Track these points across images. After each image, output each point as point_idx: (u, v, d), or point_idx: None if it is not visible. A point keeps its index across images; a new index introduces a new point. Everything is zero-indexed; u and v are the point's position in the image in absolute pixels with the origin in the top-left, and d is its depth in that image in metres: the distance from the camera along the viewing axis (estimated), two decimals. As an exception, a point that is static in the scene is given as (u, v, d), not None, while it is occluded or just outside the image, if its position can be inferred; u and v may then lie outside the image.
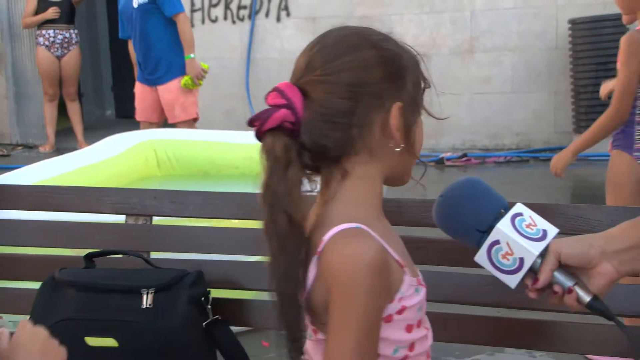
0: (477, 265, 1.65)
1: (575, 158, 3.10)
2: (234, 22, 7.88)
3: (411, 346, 1.18)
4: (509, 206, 1.20)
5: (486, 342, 1.80)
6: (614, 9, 6.44)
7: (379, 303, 1.12)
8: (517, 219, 1.17)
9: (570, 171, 6.21)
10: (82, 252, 1.83)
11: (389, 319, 1.14)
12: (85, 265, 1.79)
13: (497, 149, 7.19)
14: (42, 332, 1.17)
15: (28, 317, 1.76)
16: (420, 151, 1.27)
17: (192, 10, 7.97)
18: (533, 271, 1.17)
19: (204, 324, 1.71)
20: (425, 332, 1.22)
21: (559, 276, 1.17)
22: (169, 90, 5.40)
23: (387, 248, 1.15)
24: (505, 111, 7.19)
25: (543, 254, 1.16)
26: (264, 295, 1.41)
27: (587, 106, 6.57)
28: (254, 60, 7.82)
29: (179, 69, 5.32)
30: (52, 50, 7.58)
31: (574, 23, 6.58)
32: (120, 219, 1.95)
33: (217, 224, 2.53)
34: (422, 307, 1.22)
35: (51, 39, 7.58)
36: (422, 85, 1.24)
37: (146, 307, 1.66)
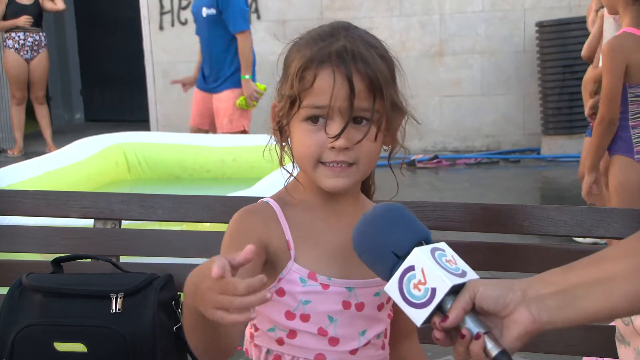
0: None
1: (595, 175, 3.11)
2: (204, 25, 7.85)
3: (291, 333, 1.24)
4: (432, 241, 1.12)
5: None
6: (579, 12, 6.55)
7: (231, 247, 1.21)
8: (438, 252, 1.09)
9: (539, 173, 6.31)
10: (50, 257, 1.81)
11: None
12: (52, 270, 1.78)
13: (468, 150, 7.26)
14: None
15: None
16: (304, 159, 1.21)
17: (162, 13, 7.94)
18: (442, 311, 1.05)
19: (174, 328, 1.70)
20: (322, 338, 1.23)
21: (470, 320, 1.04)
22: (222, 100, 5.34)
23: (284, 228, 1.23)
24: (475, 114, 7.26)
25: (456, 292, 1.06)
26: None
27: (554, 108, 6.66)
28: (224, 63, 7.80)
29: (236, 82, 5.27)
30: (21, 53, 7.50)
31: (541, 26, 6.66)
32: (88, 223, 1.93)
33: (187, 228, 2.52)
34: (318, 305, 1.22)
35: (21, 42, 7.50)
36: (296, 87, 1.19)
37: (115, 312, 1.65)
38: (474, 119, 7.26)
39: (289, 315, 1.24)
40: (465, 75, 7.22)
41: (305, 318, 1.24)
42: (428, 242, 1.11)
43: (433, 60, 7.24)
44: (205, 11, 5.15)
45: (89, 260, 1.87)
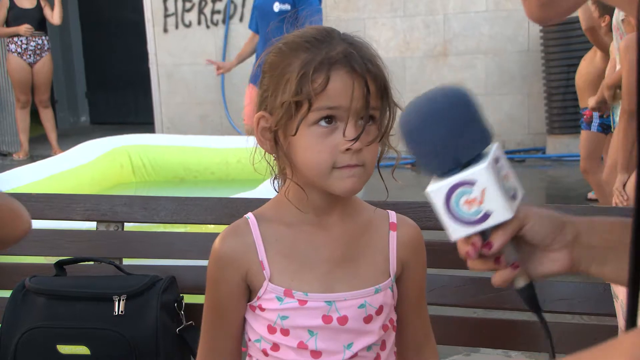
0: (451, 267, 1.66)
1: (627, 175, 3.03)
2: (207, 27, 7.86)
3: (274, 346, 1.24)
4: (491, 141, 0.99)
5: (462, 342, 1.81)
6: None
7: (217, 290, 1.27)
8: (498, 164, 0.96)
9: (544, 172, 6.29)
10: (53, 260, 1.81)
11: (252, 309, 1.25)
12: (56, 273, 1.78)
13: (472, 151, 7.24)
14: None
15: (-1, 326, 1.75)
16: (314, 166, 1.17)
17: (166, 15, 7.95)
18: (482, 233, 0.97)
19: (177, 330, 1.71)
20: (303, 351, 1.22)
21: (509, 247, 0.98)
22: None
23: (258, 249, 1.22)
24: (480, 113, 7.25)
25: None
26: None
27: (559, 107, 6.64)
28: (228, 65, 7.81)
29: None
30: (24, 57, 7.51)
31: (545, 25, 6.65)
32: (91, 225, 1.93)
33: (189, 230, 2.52)
34: (296, 320, 1.21)
35: (24, 46, 7.52)
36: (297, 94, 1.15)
37: (118, 314, 1.65)
38: (478, 119, 7.25)
39: (271, 329, 1.23)
40: (469, 75, 7.21)
41: (285, 332, 1.23)
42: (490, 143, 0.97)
43: (437, 60, 7.23)
44: (278, 6, 5.05)
45: (92, 262, 1.87)
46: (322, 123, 1.15)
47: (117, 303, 1.66)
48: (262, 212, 1.28)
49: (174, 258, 1.88)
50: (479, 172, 0.94)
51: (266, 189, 3.67)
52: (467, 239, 0.98)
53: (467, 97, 0.98)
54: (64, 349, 1.64)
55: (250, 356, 1.29)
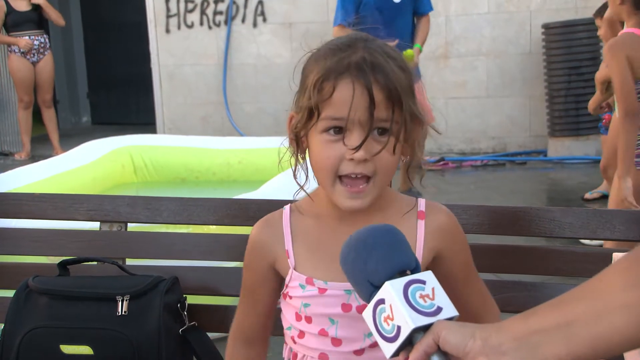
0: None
1: (631, 179, 2.95)
2: (210, 27, 7.87)
3: (300, 333, 1.31)
4: (419, 270, 1.07)
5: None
6: (585, 13, 6.53)
7: (248, 273, 1.37)
8: (415, 285, 1.04)
9: (546, 175, 6.29)
10: (56, 260, 1.82)
11: (284, 297, 1.33)
12: (59, 272, 1.78)
13: (473, 152, 7.24)
14: None
15: (2, 325, 1.75)
16: (322, 172, 1.21)
17: (168, 16, 7.96)
18: (413, 346, 1.02)
19: (180, 330, 1.71)
20: (325, 339, 1.27)
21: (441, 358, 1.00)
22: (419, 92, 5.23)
23: (285, 239, 1.30)
24: (481, 115, 7.25)
25: (426, 330, 1.01)
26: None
27: (561, 110, 6.64)
28: (230, 66, 7.82)
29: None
30: (27, 57, 7.52)
31: (547, 28, 6.65)
32: (94, 226, 1.94)
33: (192, 230, 2.52)
34: (317, 308, 1.27)
35: (27, 45, 7.52)
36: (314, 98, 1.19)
37: (121, 315, 1.65)
38: (479, 121, 7.25)
39: (297, 316, 1.31)
40: (470, 77, 7.21)
41: (308, 320, 1.29)
42: (414, 271, 1.06)
43: (438, 62, 7.23)
44: None
45: (95, 262, 1.88)
46: (331, 132, 1.19)
47: (120, 303, 1.66)
48: (299, 204, 1.35)
49: (177, 258, 1.88)
50: (384, 290, 1.03)
51: (268, 190, 3.67)
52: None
53: (378, 230, 1.10)
54: (67, 349, 1.64)
55: (286, 343, 1.37)
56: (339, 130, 1.19)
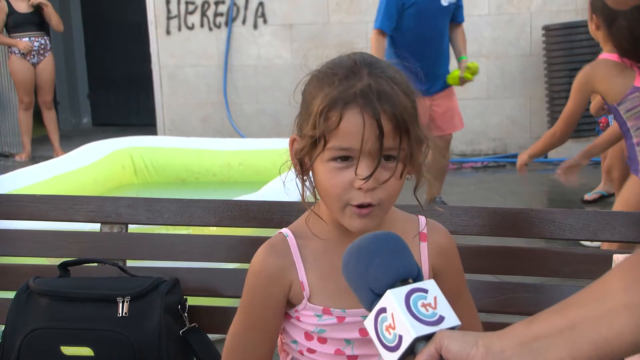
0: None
1: (531, 160, 3.35)
2: (210, 29, 7.87)
3: (310, 350, 1.30)
4: (422, 278, 1.07)
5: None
6: (586, 15, 6.52)
7: (259, 304, 1.30)
8: (417, 294, 1.03)
9: (546, 176, 6.29)
10: (57, 261, 1.82)
11: (289, 318, 1.31)
12: (59, 274, 1.78)
13: (474, 154, 7.24)
14: None
15: (2, 326, 1.75)
16: (329, 198, 1.20)
17: (169, 18, 7.96)
18: (415, 355, 1.02)
19: (180, 332, 1.71)
20: (340, 356, 1.27)
21: None
22: (451, 98, 4.98)
23: (298, 269, 1.27)
24: (481, 117, 7.25)
25: (428, 339, 1.01)
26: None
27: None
28: (231, 68, 7.82)
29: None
30: (27, 58, 7.52)
31: (548, 29, 6.65)
32: (95, 227, 1.94)
33: (193, 232, 2.53)
34: (334, 333, 1.26)
35: (27, 48, 7.52)
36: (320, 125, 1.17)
37: (122, 316, 1.65)
38: (480, 122, 7.24)
39: (308, 336, 1.30)
40: (471, 79, 7.21)
41: (322, 341, 1.28)
42: (417, 279, 1.06)
43: (439, 63, 7.23)
44: (447, 0, 4.75)
45: (95, 264, 1.88)
46: (338, 160, 1.18)
47: (120, 304, 1.66)
48: (297, 229, 1.31)
49: (178, 260, 1.88)
50: (385, 298, 1.03)
51: (269, 192, 3.67)
52: None
53: (380, 238, 1.09)
54: (68, 350, 1.64)
55: (286, 352, 1.35)
56: (346, 158, 1.18)
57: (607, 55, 3.02)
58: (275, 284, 1.28)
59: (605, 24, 2.96)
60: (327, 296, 1.27)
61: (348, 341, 1.27)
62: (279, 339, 1.38)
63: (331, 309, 1.26)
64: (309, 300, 1.27)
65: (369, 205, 1.19)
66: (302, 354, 1.31)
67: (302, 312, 1.28)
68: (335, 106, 1.16)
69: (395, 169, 1.18)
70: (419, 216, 1.34)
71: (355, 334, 1.26)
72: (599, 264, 1.58)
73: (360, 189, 1.17)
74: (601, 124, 4.42)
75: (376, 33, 4.72)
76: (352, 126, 1.15)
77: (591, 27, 3.13)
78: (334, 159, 1.18)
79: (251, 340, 1.33)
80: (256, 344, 1.32)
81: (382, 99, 1.15)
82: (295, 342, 1.31)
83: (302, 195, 1.27)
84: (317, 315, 1.27)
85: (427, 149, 1.25)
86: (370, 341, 1.22)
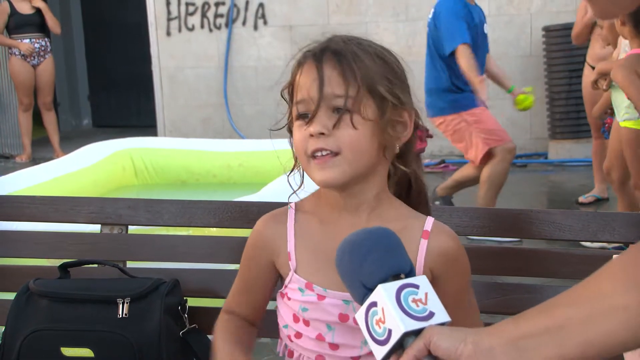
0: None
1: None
2: (210, 30, 7.88)
3: (297, 334, 1.31)
4: (414, 274, 1.08)
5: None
6: (586, 16, 6.52)
7: (248, 266, 1.39)
8: (408, 289, 1.04)
9: (546, 177, 6.30)
10: (57, 262, 1.82)
11: (281, 296, 1.34)
12: (59, 275, 1.78)
13: (474, 155, 7.24)
14: None
15: (2, 328, 1.75)
16: (299, 156, 1.27)
17: (169, 19, 7.96)
18: (404, 350, 1.03)
19: (180, 333, 1.71)
20: (322, 343, 1.28)
21: None
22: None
23: (289, 239, 1.31)
24: (482, 118, 7.24)
25: (418, 334, 1.02)
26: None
27: (561, 112, 6.64)
28: (231, 69, 7.82)
29: None
30: (28, 60, 7.52)
31: (548, 30, 6.65)
32: (95, 228, 1.94)
33: (193, 233, 2.53)
34: (315, 313, 1.28)
35: (29, 50, 7.53)
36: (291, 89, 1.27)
37: (122, 317, 1.65)
38: (480, 124, 7.24)
39: (295, 318, 1.31)
40: (471, 80, 7.21)
41: (306, 323, 1.30)
42: (409, 275, 1.07)
43: (439, 64, 7.23)
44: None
45: (95, 265, 1.88)
46: (300, 119, 1.25)
47: (121, 306, 1.66)
48: (303, 203, 1.35)
49: (178, 261, 1.88)
50: (376, 292, 1.04)
51: (269, 193, 3.68)
52: None
53: (373, 233, 1.11)
54: (68, 351, 1.64)
55: (280, 339, 1.38)
56: (306, 116, 1.24)
57: (637, 50, 3.13)
58: (264, 247, 1.35)
59: (631, 21, 3.06)
60: (312, 271, 1.29)
61: (329, 327, 1.28)
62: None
63: (313, 285, 1.28)
64: (295, 271, 1.30)
65: (326, 155, 1.22)
66: (290, 339, 1.33)
67: (290, 286, 1.31)
68: (298, 66, 1.26)
69: (342, 116, 1.21)
70: (428, 217, 1.33)
71: (335, 318, 1.27)
72: (599, 265, 1.57)
73: (312, 135, 1.22)
74: (607, 125, 4.45)
75: (465, 48, 4.47)
76: (303, 78, 1.24)
77: (617, 24, 3.22)
78: (297, 117, 1.25)
79: (237, 302, 1.42)
80: (239, 305, 1.42)
81: (334, 53, 1.23)
82: (286, 326, 1.33)
83: (290, 172, 1.33)
84: (301, 290, 1.29)
85: (413, 118, 1.29)
86: (351, 330, 1.26)
